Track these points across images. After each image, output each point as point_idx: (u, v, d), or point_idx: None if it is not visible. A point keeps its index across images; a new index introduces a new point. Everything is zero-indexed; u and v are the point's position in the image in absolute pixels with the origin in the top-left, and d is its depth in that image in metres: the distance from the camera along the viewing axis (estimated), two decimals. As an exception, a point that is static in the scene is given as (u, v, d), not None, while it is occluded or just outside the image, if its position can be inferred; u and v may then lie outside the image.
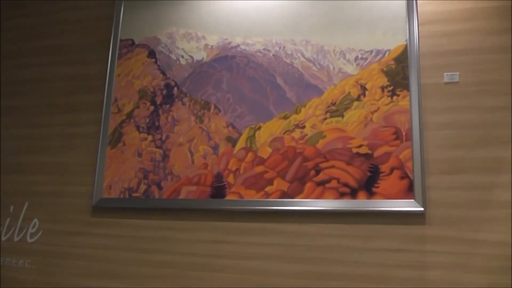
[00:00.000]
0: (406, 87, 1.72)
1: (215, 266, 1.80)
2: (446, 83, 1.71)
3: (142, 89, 2.08)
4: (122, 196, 1.97)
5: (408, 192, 1.61)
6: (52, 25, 2.40)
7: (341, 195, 1.68)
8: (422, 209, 1.58)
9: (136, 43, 2.15)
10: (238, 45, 1.98)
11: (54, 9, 2.43)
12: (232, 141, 1.87)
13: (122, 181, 1.99)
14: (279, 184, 1.76)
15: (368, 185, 1.66)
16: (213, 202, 1.82)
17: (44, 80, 2.33)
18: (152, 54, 2.11)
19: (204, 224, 1.85)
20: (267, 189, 1.77)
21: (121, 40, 2.18)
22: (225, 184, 1.83)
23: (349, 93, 1.78)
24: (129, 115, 2.07)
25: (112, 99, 2.11)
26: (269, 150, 1.81)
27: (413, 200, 1.60)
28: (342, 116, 1.76)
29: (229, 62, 1.98)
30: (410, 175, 1.62)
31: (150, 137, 2.00)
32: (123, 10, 2.22)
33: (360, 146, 1.71)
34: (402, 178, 1.63)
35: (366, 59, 1.80)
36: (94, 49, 2.27)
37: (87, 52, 2.28)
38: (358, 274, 1.63)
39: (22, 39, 2.43)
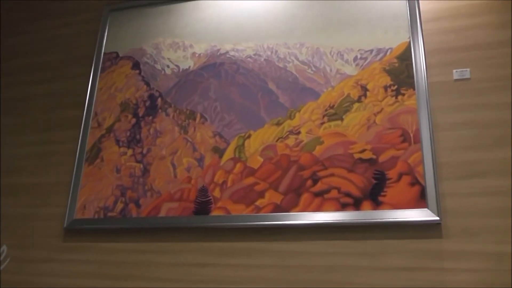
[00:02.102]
0: (411, 85, 1.52)
1: (198, 295, 1.53)
2: (456, 80, 1.52)
3: (124, 102, 1.90)
4: (96, 216, 1.73)
5: (420, 200, 1.37)
6: (36, 43, 2.28)
7: (343, 207, 1.44)
8: (437, 218, 1.33)
9: (121, 55, 2.00)
10: (227, 52, 1.82)
11: (39, 28, 2.32)
12: (219, 152, 1.66)
13: (97, 200, 1.76)
14: (272, 197, 1.53)
15: (374, 194, 1.42)
16: (196, 219, 1.58)
17: (26, 98, 2.17)
18: (136, 65, 1.96)
19: (186, 245, 1.60)
20: (258, 202, 1.54)
21: (105, 54, 2.04)
22: (210, 199, 1.60)
23: (348, 95, 1.59)
24: (109, 129, 1.87)
25: (92, 114, 1.93)
26: (260, 159, 1.60)
27: (426, 209, 1.36)
28: (342, 119, 1.56)
29: (217, 69, 1.81)
30: (422, 181, 1.39)
31: (130, 151, 1.79)
32: (109, 24, 2.09)
33: (363, 151, 1.49)
34: (412, 184, 1.40)
35: (366, 58, 1.63)
36: (77, 64, 2.12)
37: (70, 68, 2.13)
38: (365, 300, 1.36)
39: (5, 59, 2.31)
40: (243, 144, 1.63)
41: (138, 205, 1.69)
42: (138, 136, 1.80)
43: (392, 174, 1.43)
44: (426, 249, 1.35)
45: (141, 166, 1.75)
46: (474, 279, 1.28)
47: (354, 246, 1.41)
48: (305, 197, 1.49)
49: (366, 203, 1.42)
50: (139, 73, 1.93)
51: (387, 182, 1.42)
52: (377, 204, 1.41)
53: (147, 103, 1.85)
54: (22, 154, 2.04)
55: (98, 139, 1.87)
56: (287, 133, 1.60)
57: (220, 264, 1.53)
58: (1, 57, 2.33)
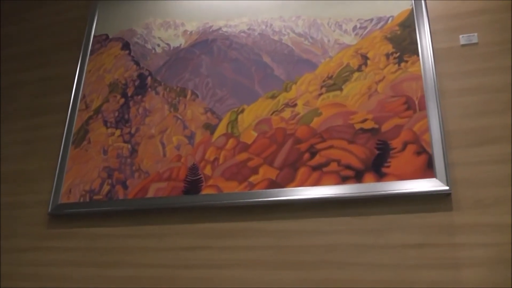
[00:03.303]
0: (415, 52, 1.39)
1: (186, 279, 1.39)
2: (463, 45, 1.39)
3: (113, 82, 1.78)
4: (82, 200, 1.60)
5: (428, 170, 1.23)
6: (25, 32, 2.18)
7: (343, 180, 1.30)
8: (447, 188, 1.19)
9: (110, 37, 1.90)
10: (220, 28, 1.71)
11: (28, 17, 2.22)
12: (211, 128, 1.53)
13: (83, 183, 1.63)
14: (266, 172, 1.39)
15: (377, 165, 1.29)
16: (186, 198, 1.45)
17: (13, 86, 2.06)
18: (126, 46, 1.84)
19: (175, 228, 1.46)
20: (252, 179, 1.40)
21: (94, 36, 1.93)
22: (201, 177, 1.47)
23: (347, 65, 1.46)
24: (97, 111, 1.75)
25: (80, 96, 1.81)
26: (254, 134, 1.47)
27: (434, 178, 1.21)
28: (341, 89, 1.43)
29: (209, 46, 1.69)
30: (428, 150, 1.25)
31: (118, 132, 1.67)
32: (99, 9, 1.99)
33: (364, 120, 1.36)
34: (418, 153, 1.26)
35: (365, 28, 1.50)
36: (67, 50, 2.02)
37: (59, 54, 2.03)
38: (370, 279, 1.21)
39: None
40: (236, 119, 1.51)
41: (125, 187, 1.56)
42: (126, 116, 1.68)
43: (396, 143, 1.29)
44: (436, 223, 1.20)
45: (129, 146, 1.62)
46: (489, 254, 1.14)
47: (356, 223, 1.27)
48: (302, 171, 1.35)
49: (369, 175, 1.28)
50: (129, 54, 1.82)
51: (391, 152, 1.29)
52: (380, 176, 1.27)
53: (136, 83, 1.73)
54: (8, 141, 1.93)
55: (86, 121, 1.75)
56: (283, 106, 1.47)
57: (211, 246, 1.39)
58: (-10, 45, 2.23)
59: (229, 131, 1.50)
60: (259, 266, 1.32)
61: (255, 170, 1.40)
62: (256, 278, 1.31)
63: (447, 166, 1.21)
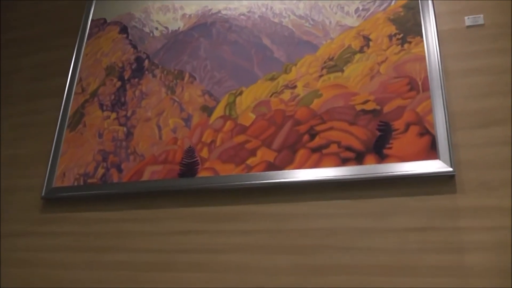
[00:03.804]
0: (419, 33, 1.34)
1: (181, 264, 1.33)
2: (468, 27, 1.33)
3: (110, 66, 1.73)
4: (76, 183, 1.55)
5: (431, 151, 1.18)
6: (24, 18, 2.14)
7: (344, 162, 1.25)
8: (451, 169, 1.13)
9: (108, 21, 1.85)
10: (219, 11, 1.66)
11: (27, 3, 2.18)
12: (208, 111, 1.48)
13: (78, 167, 1.58)
14: (264, 155, 1.34)
15: (378, 147, 1.23)
16: (182, 181, 1.40)
17: (11, 71, 2.02)
18: (124, 30, 1.80)
19: (170, 212, 1.41)
20: (249, 161, 1.35)
21: (92, 21, 1.89)
22: (197, 160, 1.42)
23: (349, 46, 1.41)
24: (93, 94, 1.71)
25: (76, 80, 1.76)
26: (252, 116, 1.41)
27: (438, 160, 1.16)
28: (342, 71, 1.38)
29: (208, 29, 1.64)
30: (432, 131, 1.20)
31: (113, 115, 1.62)
32: (98, -7, 1.95)
33: (366, 102, 1.31)
34: (421, 135, 1.21)
35: (368, 9, 1.45)
36: (65, 34, 1.97)
37: (57, 38, 1.98)
38: (370, 264, 1.15)
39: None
40: (234, 102, 1.45)
41: (119, 170, 1.50)
42: (122, 99, 1.63)
43: (398, 124, 1.24)
44: (439, 206, 1.15)
45: (125, 129, 1.57)
46: (493, 238, 1.08)
47: (356, 206, 1.22)
48: (301, 153, 1.30)
49: (370, 157, 1.22)
50: (127, 37, 1.77)
51: (393, 133, 1.23)
52: (382, 158, 1.21)
53: (134, 66, 1.69)
54: (4, 126, 1.88)
55: (81, 105, 1.70)
56: (282, 87, 1.42)
57: (207, 230, 1.34)
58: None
59: (227, 113, 1.44)
60: (256, 250, 1.26)
61: (252, 153, 1.35)
62: (253, 263, 1.25)
63: (451, 147, 1.15)
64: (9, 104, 1.92)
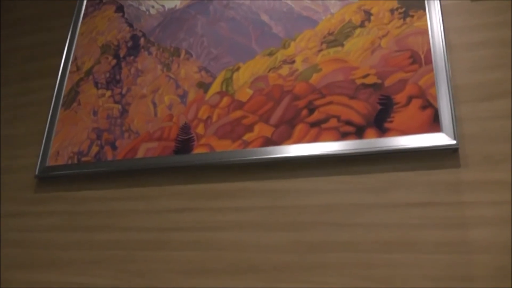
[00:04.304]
0: (421, 7, 1.28)
1: (176, 243, 1.28)
2: (473, 0, 1.28)
3: (106, 44, 1.68)
4: (70, 162, 1.50)
5: (434, 124, 1.12)
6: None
7: (343, 136, 1.19)
8: (454, 142, 1.08)
9: (104, 0, 1.79)
10: (217, -12, 1.60)
11: (24, -19, 2.12)
12: (204, 87, 1.43)
13: (72, 145, 1.53)
14: (261, 130, 1.29)
15: (379, 121, 1.18)
16: (177, 158, 1.34)
17: (4, 52, 1.96)
18: (120, 8, 1.74)
19: (164, 189, 1.35)
20: (246, 137, 1.29)
21: (88, 0, 1.83)
22: (192, 136, 1.36)
23: (350, 21, 1.35)
24: (88, 73, 1.65)
25: (71, 59, 1.71)
26: (250, 92, 1.36)
27: (441, 133, 1.10)
28: (342, 45, 1.32)
29: (205, 6, 1.59)
30: (435, 104, 1.14)
31: (108, 93, 1.56)
32: (95, -28, 1.89)
33: (366, 75, 1.25)
34: (423, 108, 1.15)
35: (369, -16, 1.39)
36: (60, 15, 1.92)
37: (53, 19, 1.93)
38: (370, 241, 1.10)
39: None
40: (231, 77, 1.40)
41: (114, 148, 1.45)
42: (118, 77, 1.58)
43: (400, 98, 1.18)
44: (442, 180, 1.09)
45: (120, 106, 1.51)
46: (498, 213, 1.02)
47: (356, 181, 1.16)
48: (300, 128, 1.24)
49: (370, 131, 1.17)
50: (122, 16, 1.71)
51: (394, 107, 1.18)
52: (382, 132, 1.16)
53: (129, 44, 1.63)
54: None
55: (76, 83, 1.65)
56: (281, 63, 1.36)
57: (203, 208, 1.29)
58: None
59: (224, 89, 1.39)
60: (252, 227, 1.21)
61: (250, 128, 1.30)
62: (249, 240, 1.20)
63: (454, 120, 1.10)
64: (4, 85, 1.87)
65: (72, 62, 1.69)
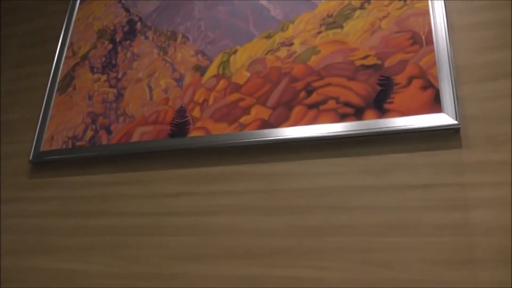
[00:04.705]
0: (422, -12, 1.24)
1: (171, 228, 1.24)
2: (475, -19, 1.23)
3: (102, 29, 1.63)
4: (64, 146, 1.46)
5: (435, 105, 1.08)
6: (18, -14, 2.04)
7: (342, 118, 1.15)
8: (456, 122, 1.03)
9: (102, -14, 1.75)
10: (215, -28, 1.55)
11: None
12: (201, 70, 1.38)
13: (66, 130, 1.49)
14: (258, 113, 1.24)
15: (379, 102, 1.13)
16: (172, 141, 1.30)
17: (2, 38, 1.91)
18: (117, -6, 1.69)
19: (159, 174, 1.31)
20: (243, 119, 1.25)
21: (85, -14, 1.78)
22: (188, 120, 1.32)
23: (349, 3, 1.31)
24: (84, 57, 1.61)
25: (67, 44, 1.67)
26: (247, 74, 1.31)
27: (442, 113, 1.06)
28: (342, 27, 1.28)
29: (203, -10, 1.54)
30: (436, 84, 1.10)
31: (104, 77, 1.52)
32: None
33: (366, 57, 1.20)
34: (424, 88, 1.11)
35: (369, -34, 1.34)
36: (57, 0, 1.87)
37: (50, 5, 1.88)
38: (369, 224, 1.05)
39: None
40: (228, 60, 1.35)
41: (109, 132, 1.40)
42: (113, 61, 1.53)
43: (400, 79, 1.14)
44: (443, 161, 1.05)
45: (115, 91, 1.47)
46: (501, 194, 0.98)
47: (355, 163, 1.12)
48: (297, 110, 1.20)
49: (370, 112, 1.12)
50: (119, 1, 1.67)
51: (395, 87, 1.13)
52: (382, 113, 1.11)
53: (126, 29, 1.59)
54: (-6, 93, 1.78)
55: (72, 68, 1.60)
56: (279, 45, 1.32)
57: (198, 192, 1.24)
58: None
59: (220, 72, 1.34)
60: (249, 212, 1.16)
61: (246, 111, 1.25)
62: (245, 225, 1.16)
63: (456, 99, 1.05)
64: (1, 71, 1.82)
65: (68, 48, 1.65)
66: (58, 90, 1.57)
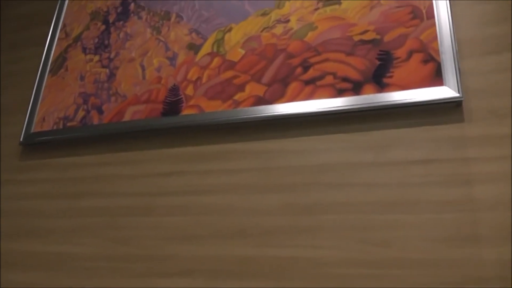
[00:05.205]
0: (422, -38, 1.18)
1: (163, 208, 1.17)
2: (477, -45, 1.17)
3: (95, 11, 1.57)
4: (55, 127, 1.39)
5: (436, 78, 1.02)
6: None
7: (340, 93, 1.09)
8: (458, 95, 0.97)
9: (96, -32, 1.68)
10: (210, -48, 1.49)
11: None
12: (195, 48, 1.32)
13: (58, 111, 1.42)
14: (253, 89, 1.18)
15: (378, 76, 1.07)
16: (164, 120, 1.23)
17: (-5, 25, 1.85)
18: (111, -24, 1.63)
19: (151, 153, 1.25)
20: (237, 97, 1.19)
21: (80, -31, 1.72)
22: (181, 98, 1.25)
23: (347, -21, 1.24)
24: (77, 39, 1.54)
25: (60, 26, 1.60)
26: (242, 51, 1.25)
27: (443, 86, 1.00)
28: (339, 3, 1.21)
29: (198, -30, 1.48)
30: (437, 58, 1.03)
31: (96, 58, 1.46)
32: None
33: (365, 32, 1.14)
34: (425, 62, 1.04)
35: None
36: (52, -15, 1.81)
37: (44, -11, 1.82)
38: (368, 201, 0.99)
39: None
40: (222, 38, 1.29)
41: (100, 112, 1.34)
42: (106, 42, 1.47)
43: (400, 53, 1.07)
44: (445, 136, 0.98)
45: (107, 71, 1.40)
46: (504, 168, 0.92)
47: (353, 140, 1.05)
48: (293, 86, 1.13)
49: (368, 87, 1.06)
50: (114, -18, 1.60)
51: (394, 62, 1.07)
52: (381, 87, 1.05)
53: (119, 9, 1.52)
54: (-14, 77, 1.72)
55: (64, 49, 1.54)
56: (274, 22, 1.25)
57: (191, 171, 1.18)
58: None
59: (215, 50, 1.28)
60: (243, 190, 1.10)
61: (241, 88, 1.19)
62: (240, 204, 1.09)
63: (458, 72, 0.99)
64: (-7, 56, 1.76)
65: (61, 30, 1.58)
66: (50, 71, 1.51)
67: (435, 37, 1.06)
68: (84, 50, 1.49)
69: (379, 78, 1.05)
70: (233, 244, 1.05)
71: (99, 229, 1.22)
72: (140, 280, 1.11)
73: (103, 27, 1.50)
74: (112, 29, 1.48)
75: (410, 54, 1.06)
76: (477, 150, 0.94)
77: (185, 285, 1.06)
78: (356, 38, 1.13)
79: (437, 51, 1.04)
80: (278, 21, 1.25)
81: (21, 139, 1.41)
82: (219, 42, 1.28)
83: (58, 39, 1.56)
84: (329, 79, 1.10)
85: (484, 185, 0.91)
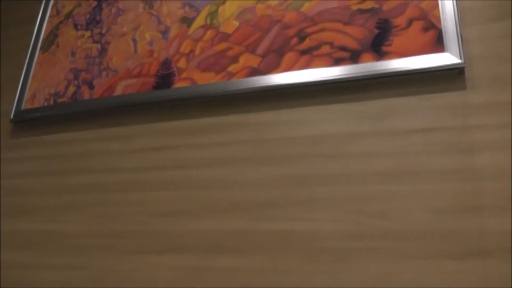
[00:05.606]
0: None
1: (153, 183, 1.11)
2: None
3: (88, -13, 1.51)
4: (46, 104, 1.33)
5: (437, 45, 0.96)
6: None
7: (337, 62, 1.03)
8: (460, 61, 0.92)
9: None
10: None
11: None
12: (188, 21, 1.26)
13: (48, 87, 1.37)
14: (247, 61, 1.12)
15: (376, 44, 1.01)
16: (155, 93, 1.18)
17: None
18: (105, -47, 1.57)
19: (143, 128, 1.19)
20: (230, 68, 1.13)
21: None
22: (173, 71, 1.20)
23: (344, -51, 1.19)
24: (68, 15, 1.48)
25: (51, 4, 1.54)
26: (236, 23, 1.19)
27: (445, 53, 0.94)
28: (336, -27, 1.15)
29: None
30: (438, 25, 0.98)
31: (88, 33, 1.40)
32: None
33: (363, 1, 1.08)
34: (426, 29, 0.99)
35: None
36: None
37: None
38: (365, 172, 0.93)
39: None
40: (216, 11, 1.23)
41: (91, 87, 1.28)
42: (98, 18, 1.41)
43: (399, 21, 1.02)
44: (447, 104, 0.93)
45: (99, 46, 1.35)
46: (507, 136, 0.86)
47: (351, 109, 1.00)
48: (289, 56, 1.08)
49: (366, 55, 1.01)
50: (107, -41, 1.54)
51: (393, 30, 1.01)
52: (380, 55, 0.99)
53: (112, -15, 1.46)
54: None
55: (55, 26, 1.48)
56: (270, -6, 1.20)
57: (182, 145, 1.12)
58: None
59: (208, 22, 1.22)
60: (235, 163, 1.04)
61: (235, 59, 1.13)
62: (232, 177, 1.03)
63: (460, 38, 0.93)
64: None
65: (52, 7, 1.52)
66: (41, 48, 1.45)
67: (436, 5, 1.00)
68: (75, 26, 1.43)
69: (378, 47, 1.00)
70: (226, 218, 1.00)
71: (89, 206, 1.16)
72: (130, 257, 1.06)
73: (95, 3, 1.44)
74: (104, 5, 1.42)
75: (410, 22, 1.00)
76: (479, 118, 0.89)
77: (177, 261, 1.01)
78: (354, 8, 1.07)
79: (438, 18, 0.98)
80: (274, -7, 1.19)
81: (11, 117, 1.36)
82: (213, 14, 1.22)
83: (50, 16, 1.50)
84: (325, 48, 1.05)
85: (486, 153, 0.86)
